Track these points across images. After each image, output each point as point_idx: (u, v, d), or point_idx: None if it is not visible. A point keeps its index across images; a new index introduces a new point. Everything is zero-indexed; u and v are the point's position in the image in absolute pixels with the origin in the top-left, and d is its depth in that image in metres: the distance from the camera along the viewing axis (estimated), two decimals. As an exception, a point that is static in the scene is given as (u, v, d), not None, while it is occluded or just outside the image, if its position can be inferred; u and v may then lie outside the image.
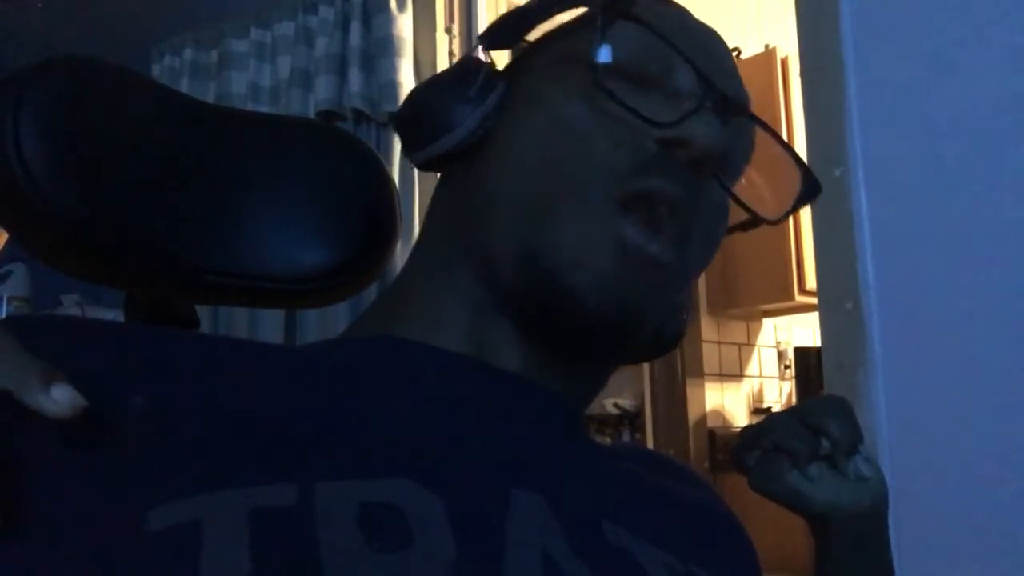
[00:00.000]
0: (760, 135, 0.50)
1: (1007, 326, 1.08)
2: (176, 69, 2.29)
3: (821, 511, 0.52)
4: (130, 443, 0.34)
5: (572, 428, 0.49)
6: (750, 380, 3.02)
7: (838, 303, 1.20)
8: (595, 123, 0.45)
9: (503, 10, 1.43)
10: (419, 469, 0.38)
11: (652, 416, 2.78)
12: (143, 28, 2.38)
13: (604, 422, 2.99)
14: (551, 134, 0.45)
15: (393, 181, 0.61)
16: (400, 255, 0.58)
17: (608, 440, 2.91)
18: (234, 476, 0.34)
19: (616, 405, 2.96)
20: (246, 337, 1.92)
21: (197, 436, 0.35)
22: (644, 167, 0.44)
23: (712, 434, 2.74)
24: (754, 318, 3.08)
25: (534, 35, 0.52)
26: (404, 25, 1.98)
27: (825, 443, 0.51)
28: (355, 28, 2.00)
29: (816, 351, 2.76)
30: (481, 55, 0.48)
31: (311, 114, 2.01)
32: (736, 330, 3.01)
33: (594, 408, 2.95)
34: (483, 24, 2.00)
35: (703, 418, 2.76)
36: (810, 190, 0.50)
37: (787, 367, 3.16)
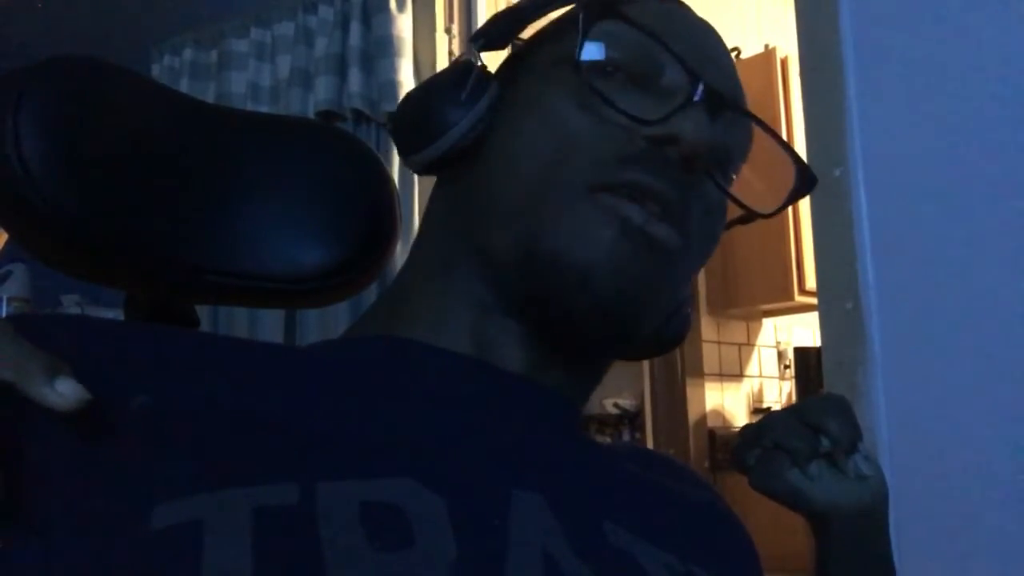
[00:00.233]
0: (755, 129, 0.50)
1: (1007, 326, 1.08)
2: (176, 69, 2.29)
3: (821, 509, 0.52)
4: (132, 442, 0.34)
5: (573, 428, 0.49)
6: (750, 380, 3.02)
7: (838, 303, 1.20)
8: (586, 123, 0.45)
9: (503, 10, 1.43)
10: (421, 469, 0.38)
11: (652, 416, 2.78)
12: (143, 28, 2.38)
13: (604, 422, 2.99)
14: (543, 134, 0.46)
15: (393, 181, 0.61)
16: (400, 255, 0.58)
17: (608, 440, 2.91)
18: (236, 475, 0.34)
19: (616, 405, 2.96)
20: (246, 337, 1.92)
21: (199, 435, 0.35)
22: (630, 161, 0.44)
23: (712, 434, 2.74)
24: (754, 318, 3.08)
25: (527, 35, 0.52)
26: (404, 25, 1.98)
27: (825, 441, 0.51)
28: (355, 28, 2.00)
29: (816, 351, 2.76)
30: (474, 56, 0.49)
31: (311, 114, 2.01)
32: (736, 330, 3.01)
33: (594, 408, 2.96)
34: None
35: (703, 418, 2.76)
36: (805, 183, 0.50)
37: (787, 367, 3.16)
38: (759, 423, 0.54)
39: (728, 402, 2.88)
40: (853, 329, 1.17)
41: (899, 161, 1.18)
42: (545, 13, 0.49)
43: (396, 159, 1.90)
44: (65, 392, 0.31)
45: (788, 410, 0.53)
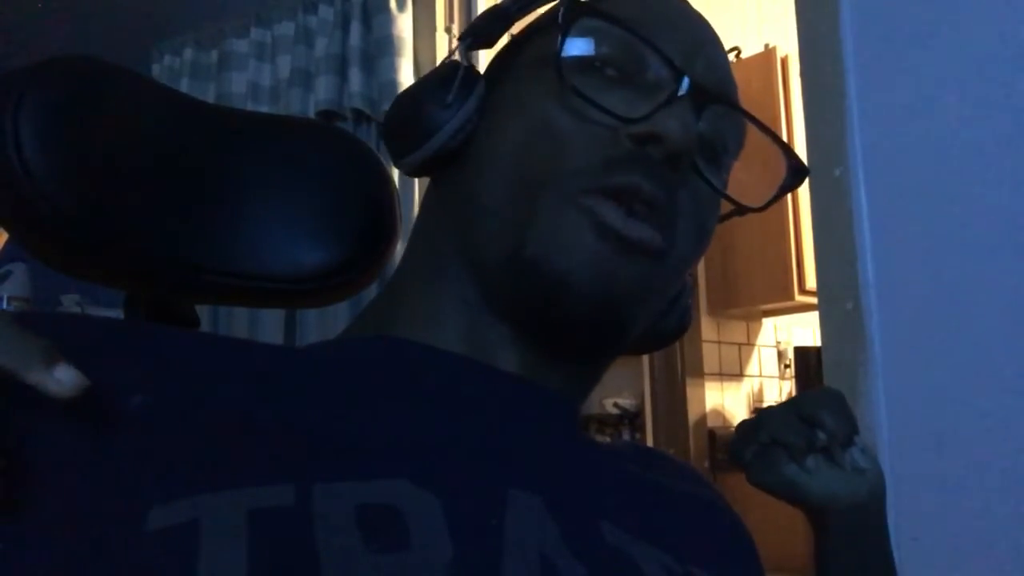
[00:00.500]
0: (748, 122, 0.50)
1: (1007, 325, 1.08)
2: (176, 69, 2.30)
3: (819, 503, 0.52)
4: (129, 441, 0.34)
5: (571, 427, 0.49)
6: (750, 380, 3.02)
7: (838, 303, 1.20)
8: (570, 122, 0.45)
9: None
10: (417, 470, 0.38)
11: (652, 416, 2.78)
12: (143, 28, 2.38)
13: (604, 422, 2.99)
14: (528, 134, 0.45)
15: (393, 181, 0.61)
16: (400, 255, 0.58)
17: (608, 439, 2.91)
18: (232, 477, 0.34)
19: (616, 405, 2.96)
20: (246, 337, 1.92)
21: (196, 436, 0.35)
22: (616, 164, 0.43)
23: (712, 434, 2.74)
24: (754, 318, 3.08)
25: (513, 33, 0.52)
26: (404, 25, 1.98)
27: (821, 435, 0.51)
28: (355, 28, 2.00)
29: (816, 351, 2.76)
30: (462, 56, 0.48)
31: (311, 114, 2.01)
32: (736, 330, 3.01)
33: (594, 408, 2.96)
34: (483, 24, 2.00)
35: (703, 418, 2.76)
36: (796, 175, 0.50)
37: (787, 367, 3.16)
38: (755, 418, 0.54)
39: (728, 402, 2.88)
40: (853, 329, 1.17)
41: (899, 161, 1.17)
42: (529, 11, 0.49)
43: (396, 159, 1.90)
44: (63, 379, 0.31)
45: (784, 405, 0.53)
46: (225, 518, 0.32)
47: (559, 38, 0.44)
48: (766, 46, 2.88)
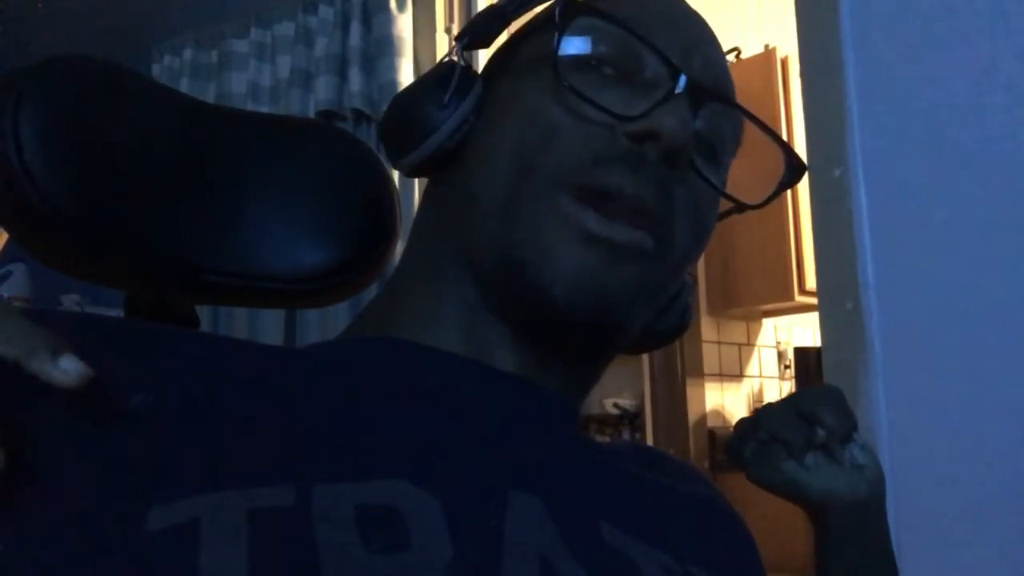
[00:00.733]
0: (745, 121, 0.50)
1: (1007, 325, 1.08)
2: (176, 69, 2.30)
3: (819, 500, 0.52)
4: (130, 440, 0.34)
5: (571, 427, 0.49)
6: (750, 380, 3.02)
7: (838, 303, 1.20)
8: (566, 120, 0.45)
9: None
10: (417, 471, 0.38)
11: (652, 416, 2.78)
12: (143, 28, 2.38)
13: (604, 422, 2.99)
14: (525, 133, 0.45)
15: (393, 181, 0.61)
16: (400, 255, 0.58)
17: (607, 439, 2.91)
18: (232, 477, 0.34)
19: (616, 405, 2.96)
20: (246, 337, 1.93)
21: (197, 436, 0.35)
22: (607, 162, 0.43)
23: (712, 434, 2.74)
24: (754, 318, 3.08)
25: (511, 32, 0.52)
26: (404, 25, 1.98)
27: (820, 432, 0.51)
28: (355, 28, 2.00)
29: (816, 351, 2.76)
30: (459, 56, 0.48)
31: (311, 114, 2.01)
32: (736, 330, 3.01)
33: (594, 408, 2.96)
34: (483, 24, 2.00)
35: (703, 418, 2.76)
36: (794, 172, 0.50)
37: (787, 367, 3.16)
38: (754, 416, 0.54)
39: (728, 402, 2.88)
40: (853, 329, 1.17)
41: (899, 161, 1.18)
42: (526, 11, 0.49)
43: (396, 159, 1.90)
44: (68, 368, 0.31)
45: (783, 402, 0.53)
46: (226, 518, 0.32)
47: (556, 36, 0.44)
48: (766, 46, 2.88)
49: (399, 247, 0.62)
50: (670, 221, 0.45)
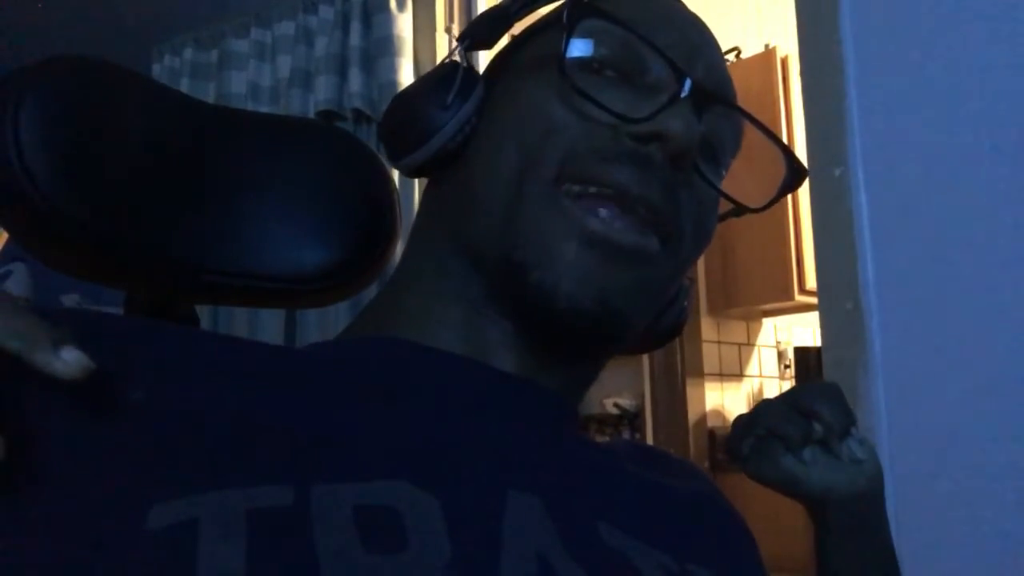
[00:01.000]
0: (747, 123, 0.50)
1: (1007, 325, 1.08)
2: (176, 69, 2.30)
3: (817, 495, 0.52)
4: (130, 438, 0.34)
5: (570, 427, 0.49)
6: (750, 380, 3.02)
7: (838, 303, 1.20)
8: (571, 122, 0.45)
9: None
10: (416, 471, 0.38)
11: (652, 416, 2.78)
12: (143, 28, 2.38)
13: (604, 422, 2.99)
14: (528, 134, 0.45)
15: (393, 181, 0.61)
16: (400, 255, 0.58)
17: (607, 439, 2.91)
18: (232, 476, 0.34)
19: (616, 405, 2.96)
20: (246, 337, 1.92)
21: (196, 435, 0.35)
22: (612, 159, 0.44)
23: (712, 434, 2.74)
24: (754, 318, 3.08)
25: (514, 33, 0.52)
26: (404, 25, 1.98)
27: (818, 427, 0.51)
28: (355, 28, 2.00)
29: (816, 351, 2.76)
30: (461, 57, 0.48)
31: (311, 114, 2.01)
32: (736, 330, 3.01)
33: (594, 408, 2.96)
34: (483, 24, 2.00)
35: (703, 418, 2.76)
36: (795, 176, 0.50)
37: (787, 367, 3.16)
38: (751, 412, 0.54)
39: (728, 402, 2.88)
40: (853, 329, 1.17)
41: (899, 161, 1.18)
42: (530, 11, 0.49)
43: (396, 159, 1.90)
44: (70, 360, 0.31)
45: (780, 397, 0.53)
46: (224, 517, 0.32)
47: (564, 38, 0.45)
48: (766, 46, 2.88)
49: (399, 247, 0.62)
50: (676, 223, 0.45)
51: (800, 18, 1.32)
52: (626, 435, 2.93)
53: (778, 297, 2.73)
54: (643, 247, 0.44)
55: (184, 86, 2.22)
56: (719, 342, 2.90)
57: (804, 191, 1.23)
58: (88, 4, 2.40)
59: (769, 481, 0.53)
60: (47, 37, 2.36)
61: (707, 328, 2.85)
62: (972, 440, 1.08)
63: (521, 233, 0.44)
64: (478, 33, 0.49)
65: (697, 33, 0.50)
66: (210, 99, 2.15)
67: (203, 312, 1.84)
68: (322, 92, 1.98)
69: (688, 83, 0.44)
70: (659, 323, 0.55)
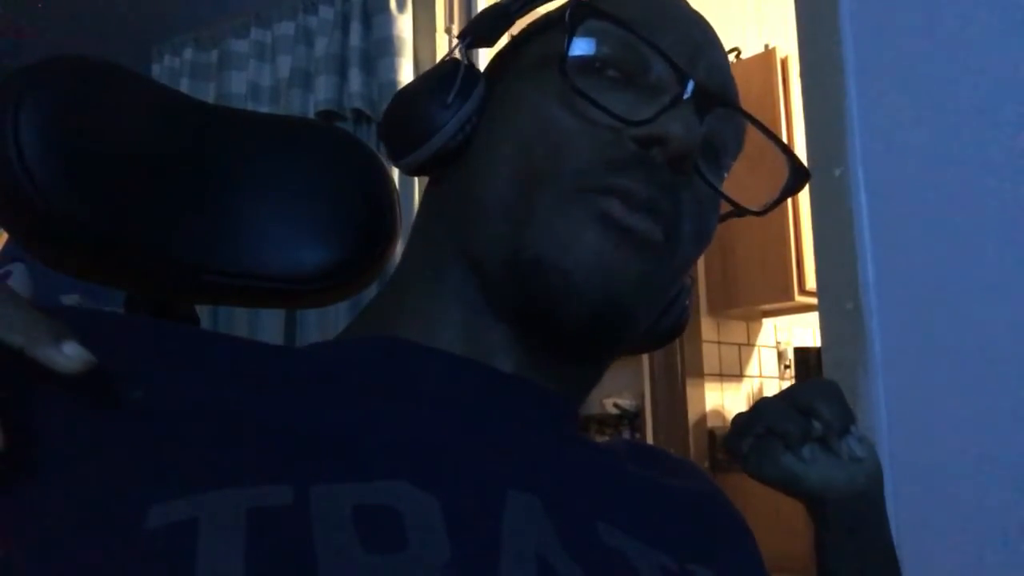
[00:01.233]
0: (749, 125, 0.50)
1: (1007, 326, 1.08)
2: (176, 69, 2.30)
3: (817, 492, 0.52)
4: (130, 437, 0.34)
5: (569, 427, 0.49)
6: (750, 380, 3.02)
7: (838, 303, 1.20)
8: (572, 123, 0.44)
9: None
10: (416, 471, 0.38)
11: (652, 416, 2.78)
12: (143, 28, 2.38)
13: (604, 422, 2.99)
14: (530, 134, 0.45)
15: (393, 181, 0.61)
16: (400, 255, 0.58)
17: (607, 439, 2.90)
18: (231, 476, 0.34)
19: (616, 405, 2.96)
20: (246, 337, 1.92)
21: (196, 434, 0.35)
22: (617, 165, 0.43)
23: (712, 434, 2.74)
24: (754, 318, 3.08)
25: (515, 32, 0.52)
26: (404, 25, 1.98)
27: (817, 425, 0.51)
28: (355, 28, 2.00)
29: (816, 351, 2.76)
30: (462, 55, 0.48)
31: (311, 114, 2.01)
32: (736, 330, 3.01)
33: (594, 408, 2.96)
34: (483, 24, 2.00)
35: (703, 418, 2.76)
36: (798, 178, 0.50)
37: (787, 367, 3.16)
38: (750, 410, 0.54)
39: (728, 402, 2.88)
40: (853, 329, 1.17)
41: (899, 161, 1.18)
42: (530, 10, 0.49)
43: (396, 159, 1.90)
44: (71, 354, 0.32)
45: (779, 395, 0.53)
46: (223, 517, 0.32)
47: (565, 39, 0.44)
48: (766, 46, 2.88)
49: (399, 247, 0.62)
50: (677, 222, 0.45)
51: (800, 18, 1.32)
52: (626, 435, 2.93)
53: (778, 297, 2.73)
54: (652, 234, 0.44)
55: (184, 86, 2.22)
56: (719, 342, 2.90)
57: (804, 191, 1.23)
58: (88, 4, 2.40)
59: (769, 479, 0.53)
60: (47, 37, 2.36)
61: (707, 328, 2.86)
62: (972, 440, 1.08)
63: (532, 236, 0.44)
64: (479, 31, 0.49)
65: (700, 32, 0.49)
66: (210, 99, 2.15)
67: (203, 312, 1.84)
68: (322, 92, 1.98)
69: (691, 85, 0.44)
70: (660, 323, 0.55)
